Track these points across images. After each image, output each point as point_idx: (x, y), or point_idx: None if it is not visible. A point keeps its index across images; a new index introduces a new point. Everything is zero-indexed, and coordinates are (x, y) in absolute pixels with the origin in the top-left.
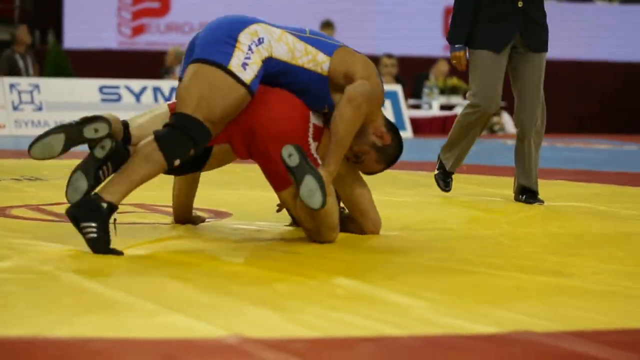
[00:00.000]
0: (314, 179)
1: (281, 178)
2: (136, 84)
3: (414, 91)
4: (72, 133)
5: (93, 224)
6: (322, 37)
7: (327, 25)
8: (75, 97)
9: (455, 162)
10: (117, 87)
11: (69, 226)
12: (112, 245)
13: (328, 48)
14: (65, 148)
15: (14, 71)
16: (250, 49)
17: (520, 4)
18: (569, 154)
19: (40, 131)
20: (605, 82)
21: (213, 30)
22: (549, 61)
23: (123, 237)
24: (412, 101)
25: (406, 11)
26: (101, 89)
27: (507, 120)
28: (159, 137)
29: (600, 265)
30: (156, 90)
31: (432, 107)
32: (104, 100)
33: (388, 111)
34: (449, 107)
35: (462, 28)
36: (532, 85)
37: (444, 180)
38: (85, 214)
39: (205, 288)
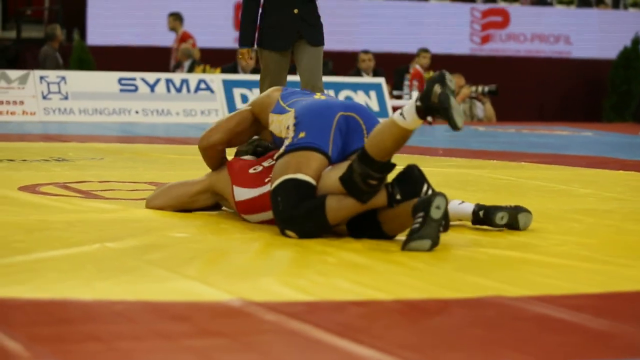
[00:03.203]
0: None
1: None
2: (151, 76)
3: (396, 83)
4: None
5: None
6: None
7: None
8: (97, 87)
9: None
10: (133, 79)
11: (91, 201)
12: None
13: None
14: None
15: (55, 65)
16: None
17: (296, 11)
18: (534, 139)
19: (66, 118)
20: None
21: None
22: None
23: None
24: (395, 92)
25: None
26: (120, 80)
27: (479, 107)
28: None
29: (562, 237)
30: (168, 81)
31: (412, 97)
32: (122, 90)
33: (373, 101)
34: None
35: (247, 32)
36: (313, 70)
37: None
38: None
39: (211, 257)
